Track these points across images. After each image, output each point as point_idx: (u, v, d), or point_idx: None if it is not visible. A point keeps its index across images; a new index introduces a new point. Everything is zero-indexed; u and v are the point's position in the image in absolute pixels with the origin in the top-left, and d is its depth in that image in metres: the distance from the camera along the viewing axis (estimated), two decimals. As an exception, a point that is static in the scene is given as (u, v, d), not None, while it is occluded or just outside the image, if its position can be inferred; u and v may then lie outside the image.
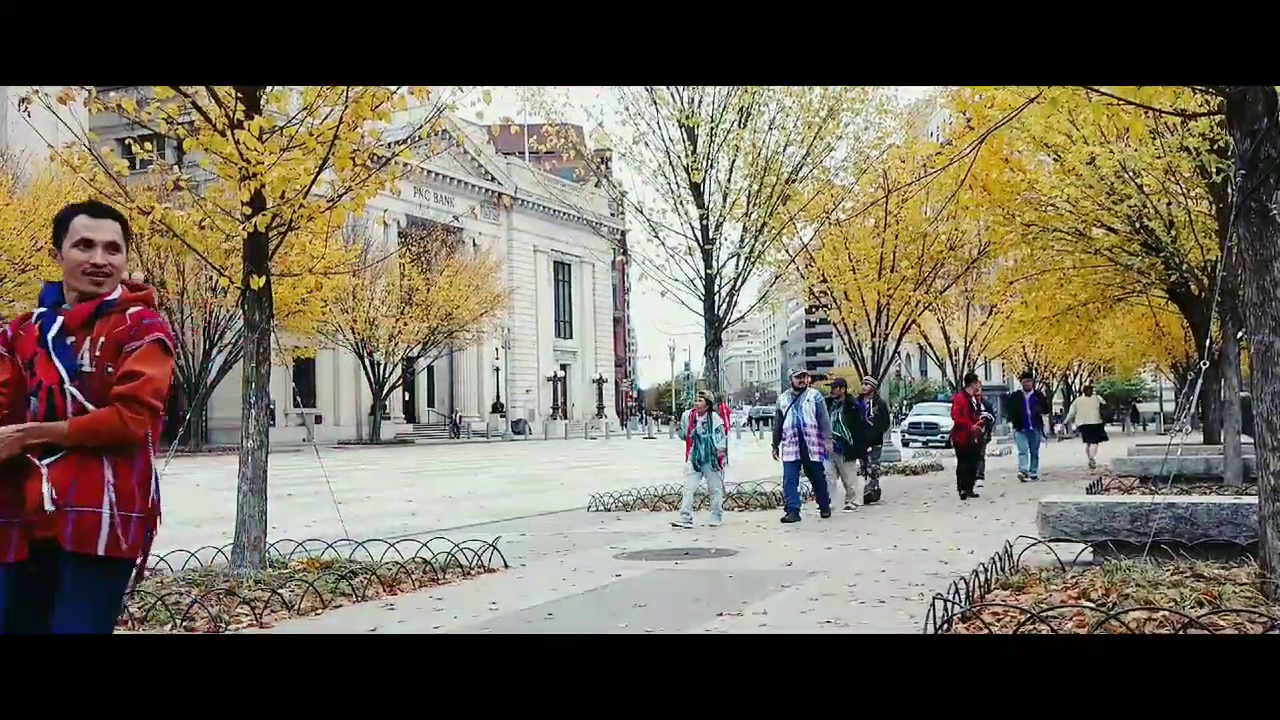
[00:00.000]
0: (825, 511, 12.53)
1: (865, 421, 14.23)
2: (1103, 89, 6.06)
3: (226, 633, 6.20)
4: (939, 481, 18.25)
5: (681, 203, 14.54)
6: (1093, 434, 22.85)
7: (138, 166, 8.87)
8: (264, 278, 7.93)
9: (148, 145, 8.41)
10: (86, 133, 8.25)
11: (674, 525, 11.64)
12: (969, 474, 15.21)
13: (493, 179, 62.52)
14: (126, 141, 8.44)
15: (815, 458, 12.26)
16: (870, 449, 14.49)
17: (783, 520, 12.00)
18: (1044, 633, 5.04)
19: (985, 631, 5.35)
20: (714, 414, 12.13)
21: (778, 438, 12.47)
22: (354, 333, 44.82)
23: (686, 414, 12.56)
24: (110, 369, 3.17)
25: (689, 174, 14.22)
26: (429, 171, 53.95)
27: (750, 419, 72.46)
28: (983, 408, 16.19)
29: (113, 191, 8.26)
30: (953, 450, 16.43)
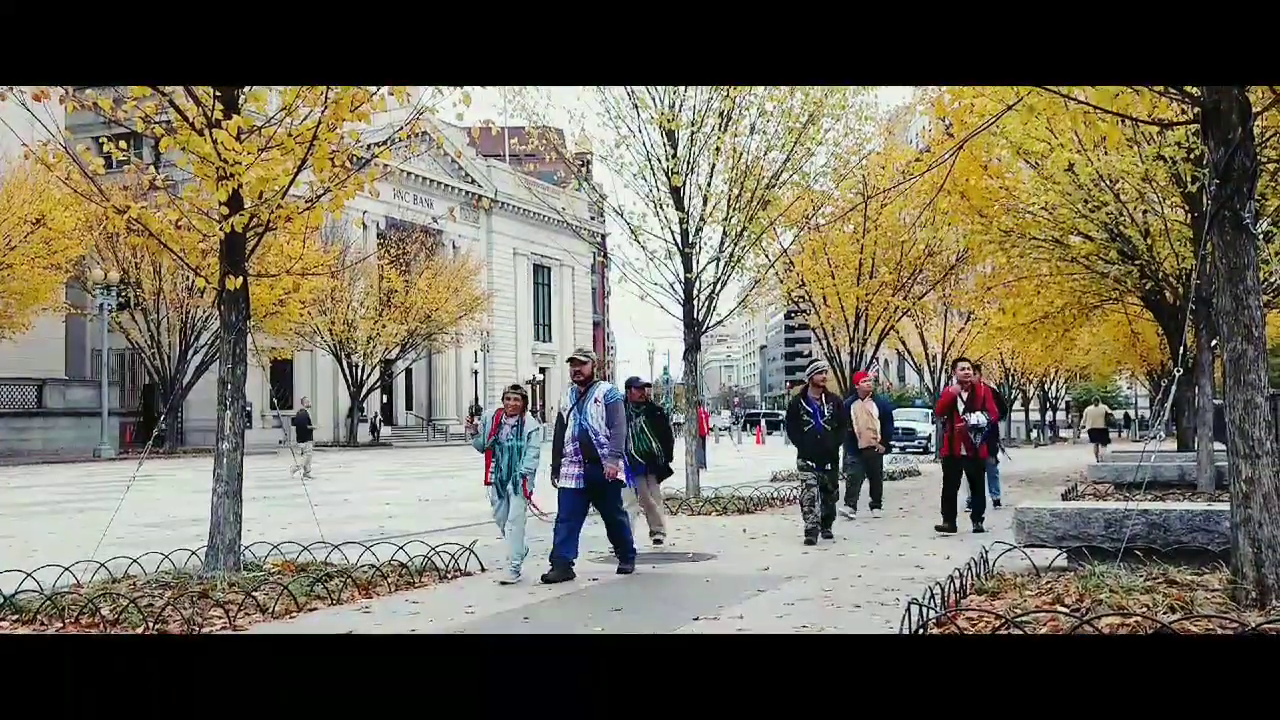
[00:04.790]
0: (627, 562, 8.76)
1: (821, 427, 10.47)
2: (1079, 97, 6.10)
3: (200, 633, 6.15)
4: (915, 487, 18.32)
5: (662, 206, 14.54)
6: (1099, 437, 29.85)
7: (114, 165, 8.80)
8: (241, 278, 7.89)
9: (124, 144, 8.34)
10: (62, 130, 8.18)
11: (502, 584, 8.13)
12: (949, 500, 11.33)
13: (473, 181, 62.38)
14: (102, 140, 8.36)
15: (621, 476, 8.70)
16: (828, 467, 10.60)
17: (545, 578, 8.17)
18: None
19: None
20: (529, 417, 8.52)
21: (557, 454, 8.67)
22: (332, 334, 44.60)
23: (489, 413, 8.70)
24: None
25: (669, 177, 14.22)
26: (409, 173, 53.80)
27: (737, 419, 72.59)
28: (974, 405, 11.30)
29: (88, 190, 8.20)
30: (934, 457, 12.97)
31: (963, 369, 11.67)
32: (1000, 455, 14.75)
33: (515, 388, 8.66)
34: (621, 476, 8.70)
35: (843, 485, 12.39)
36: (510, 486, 8.41)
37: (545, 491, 8.75)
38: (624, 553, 8.82)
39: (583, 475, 8.48)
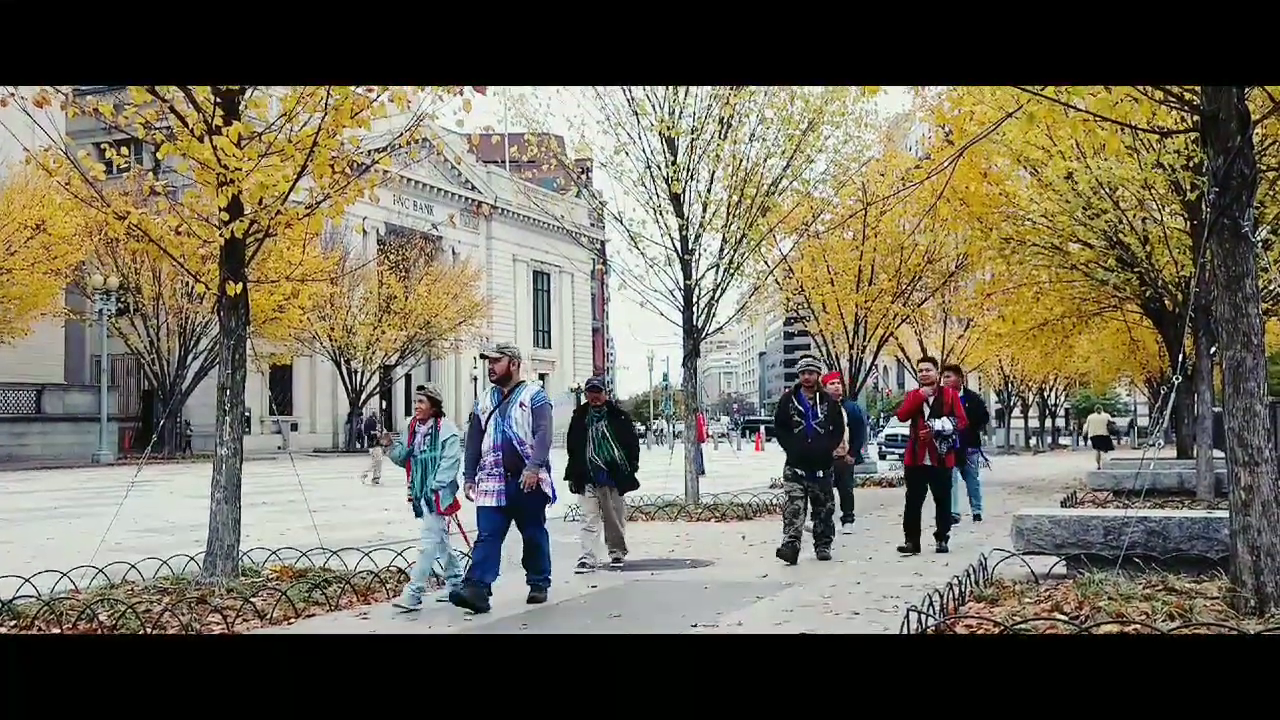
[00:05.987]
0: (539, 590, 7.65)
1: (812, 429, 9.48)
2: (1078, 105, 6.10)
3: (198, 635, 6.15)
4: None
5: (661, 213, 14.56)
6: (1102, 444, 30.04)
7: (114, 171, 8.81)
8: (241, 284, 7.89)
9: (124, 150, 8.35)
10: (62, 136, 8.19)
11: (397, 606, 7.27)
12: (913, 514, 10.17)
13: (473, 188, 62.44)
14: (103, 146, 8.37)
15: (545, 488, 7.44)
16: (819, 475, 9.58)
17: (453, 596, 7.31)
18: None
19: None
20: (445, 422, 7.64)
21: (473, 463, 7.53)
22: (331, 340, 44.61)
23: (406, 423, 7.60)
24: None
25: (669, 184, 14.23)
26: (409, 179, 53.83)
27: (736, 425, 72.51)
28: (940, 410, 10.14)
29: (88, 195, 8.21)
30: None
31: (924, 369, 10.66)
32: (980, 462, 13.82)
33: (422, 388, 7.78)
34: (545, 489, 7.46)
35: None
36: (423, 503, 7.51)
37: (467, 508, 7.67)
38: (538, 580, 7.66)
39: (504, 491, 7.36)
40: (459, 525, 7.75)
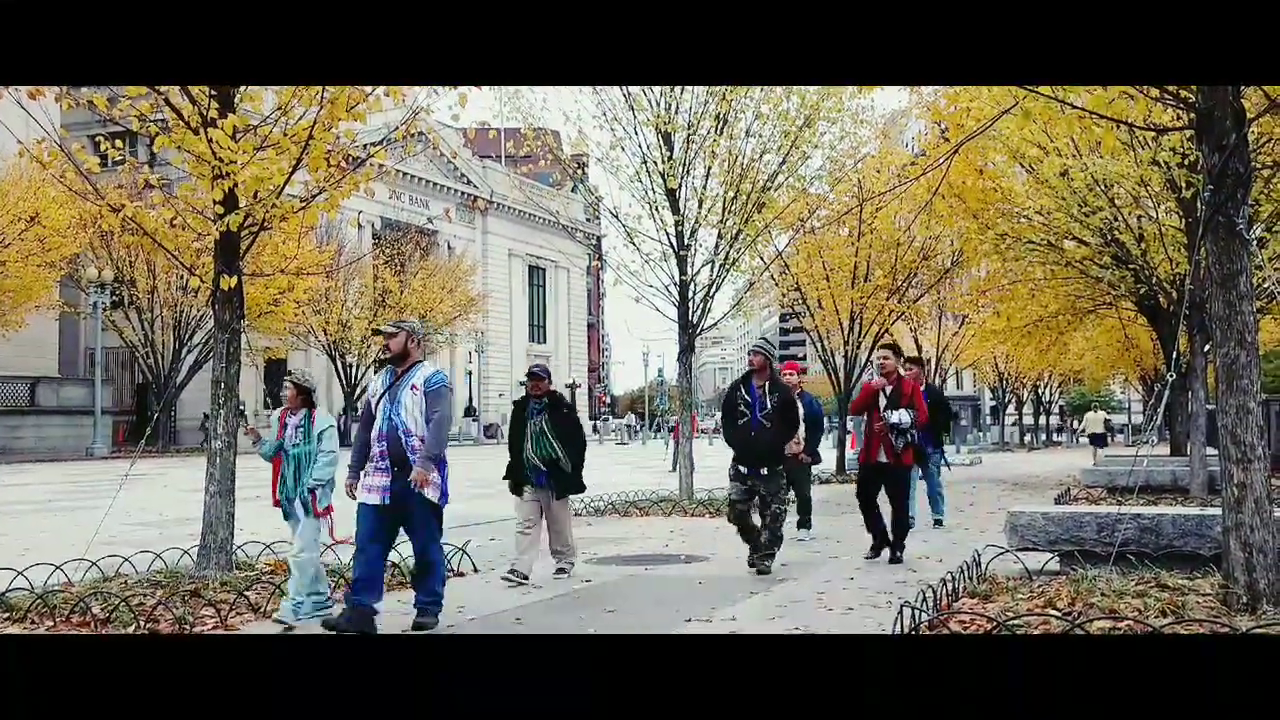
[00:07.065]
0: (426, 614, 6.50)
1: (758, 421, 8.56)
2: (1074, 102, 6.11)
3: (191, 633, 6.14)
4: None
5: (657, 208, 14.55)
6: (1099, 440, 32.40)
7: (109, 163, 8.79)
8: (235, 277, 7.88)
9: (119, 142, 8.33)
10: (57, 128, 8.17)
11: (278, 620, 6.49)
12: (871, 514, 9.32)
13: (469, 182, 62.43)
14: (97, 138, 8.36)
15: (430, 493, 6.39)
16: (763, 472, 8.63)
17: (327, 624, 6.22)
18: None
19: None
20: (319, 412, 6.84)
21: (360, 456, 6.56)
22: (326, 334, 44.56)
23: (275, 415, 6.94)
24: None
25: (665, 180, 14.23)
26: (404, 174, 53.80)
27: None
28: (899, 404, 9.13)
29: (82, 188, 8.19)
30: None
31: (881, 356, 9.57)
32: (940, 464, 12.36)
33: (288, 374, 6.89)
34: (430, 493, 6.40)
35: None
36: (298, 504, 6.64)
37: (346, 510, 6.71)
38: (425, 602, 6.53)
39: (389, 489, 6.37)
40: (331, 530, 6.90)
